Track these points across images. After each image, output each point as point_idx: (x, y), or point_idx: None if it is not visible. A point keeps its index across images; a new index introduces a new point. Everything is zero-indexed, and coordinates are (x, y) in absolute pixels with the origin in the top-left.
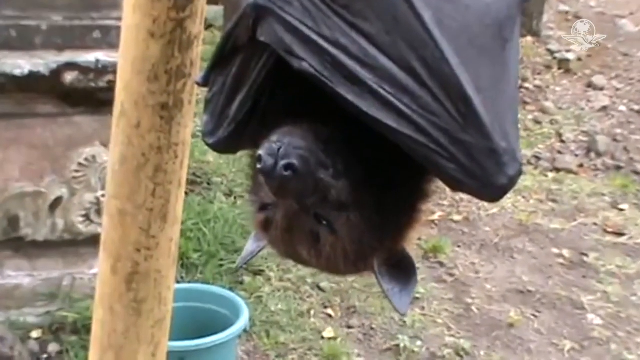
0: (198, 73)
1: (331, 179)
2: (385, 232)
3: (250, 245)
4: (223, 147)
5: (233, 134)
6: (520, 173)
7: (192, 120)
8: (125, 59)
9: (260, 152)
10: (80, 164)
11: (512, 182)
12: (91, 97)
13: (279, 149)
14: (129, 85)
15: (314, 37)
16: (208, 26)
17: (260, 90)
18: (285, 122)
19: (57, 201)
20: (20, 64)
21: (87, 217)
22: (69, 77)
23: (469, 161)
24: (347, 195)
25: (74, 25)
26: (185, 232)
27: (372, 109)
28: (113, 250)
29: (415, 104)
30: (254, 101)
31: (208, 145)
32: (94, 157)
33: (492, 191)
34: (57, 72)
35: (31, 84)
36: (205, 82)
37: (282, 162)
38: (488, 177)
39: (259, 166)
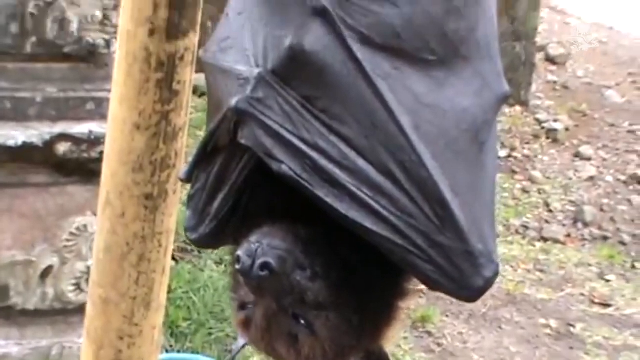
0: (183, 164)
1: (308, 281)
2: (364, 331)
3: (240, 340)
4: (205, 242)
5: (214, 230)
6: (496, 274)
7: (176, 208)
8: (112, 150)
9: (239, 252)
10: (71, 233)
11: (488, 283)
12: (84, 168)
13: (257, 250)
14: (115, 175)
15: (294, 140)
16: (202, 94)
17: (241, 189)
18: (265, 222)
19: (48, 270)
20: (15, 135)
21: (77, 285)
22: (62, 148)
23: (446, 263)
24: (325, 296)
25: (68, 97)
26: (174, 300)
27: (350, 211)
28: (96, 338)
29: (393, 207)
30: (235, 200)
31: (190, 240)
32: (85, 226)
33: (469, 292)
34: (50, 143)
35: (25, 154)
36: (188, 178)
37: (259, 262)
38: (465, 279)
39: (237, 267)
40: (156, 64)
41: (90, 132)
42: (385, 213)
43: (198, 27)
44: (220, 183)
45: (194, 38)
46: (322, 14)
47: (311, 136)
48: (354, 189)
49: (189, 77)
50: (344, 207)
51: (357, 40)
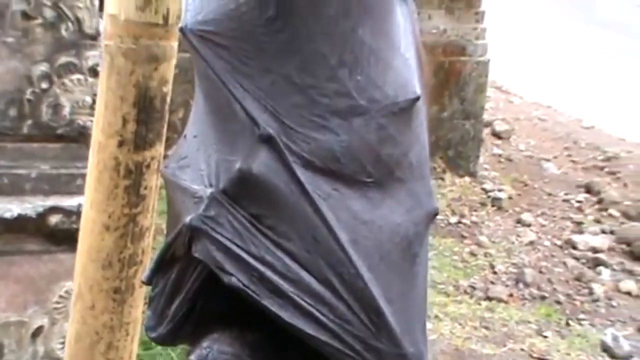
0: (149, 260)
1: None
2: None
3: None
4: (163, 341)
5: (172, 331)
6: None
7: (142, 300)
8: (83, 247)
9: (192, 357)
10: (61, 296)
11: None
12: (73, 237)
13: (207, 355)
14: (85, 270)
15: (243, 255)
16: None
17: (195, 296)
18: (217, 327)
19: (39, 330)
20: (11, 207)
21: (64, 344)
22: (54, 219)
23: None
24: None
25: (60, 173)
26: None
27: (293, 318)
28: None
29: (332, 314)
30: (190, 305)
31: (150, 338)
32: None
33: None
34: (43, 215)
35: (20, 225)
36: (149, 282)
37: None
38: None
39: None
40: (125, 172)
41: (80, 205)
42: (325, 320)
43: (164, 138)
44: (177, 289)
45: (159, 148)
46: (268, 141)
47: (258, 250)
48: (297, 298)
49: (155, 182)
50: (288, 315)
51: (300, 165)
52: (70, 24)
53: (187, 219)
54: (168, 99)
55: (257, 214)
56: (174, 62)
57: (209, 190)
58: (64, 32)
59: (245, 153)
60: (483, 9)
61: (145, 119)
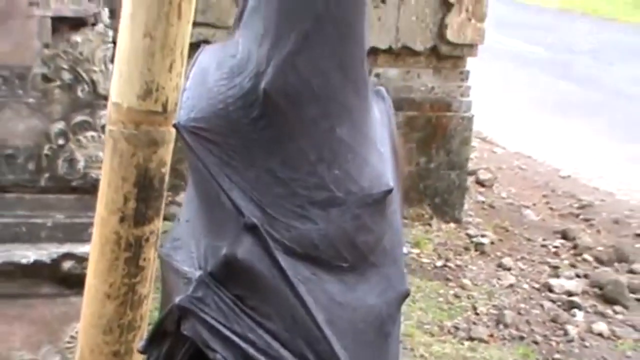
0: (147, 325)
1: None
2: None
3: None
4: None
5: None
6: None
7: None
8: (85, 313)
9: None
10: (72, 336)
11: None
12: (84, 281)
13: None
14: (87, 334)
15: (228, 333)
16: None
17: None
18: None
19: None
20: (28, 254)
21: None
22: (67, 265)
23: None
24: None
25: (74, 222)
26: None
27: None
28: None
29: None
30: None
31: None
32: None
33: None
34: (57, 261)
35: (35, 270)
36: (144, 352)
37: None
38: None
39: None
40: (125, 245)
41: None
42: None
43: (162, 214)
44: None
45: (158, 223)
46: (252, 229)
47: (242, 329)
48: None
49: (153, 254)
50: None
51: (282, 251)
52: (85, 86)
53: (177, 299)
54: (166, 179)
55: (241, 295)
56: (172, 145)
57: (198, 273)
58: (79, 93)
59: (231, 239)
60: (468, 68)
61: (145, 197)
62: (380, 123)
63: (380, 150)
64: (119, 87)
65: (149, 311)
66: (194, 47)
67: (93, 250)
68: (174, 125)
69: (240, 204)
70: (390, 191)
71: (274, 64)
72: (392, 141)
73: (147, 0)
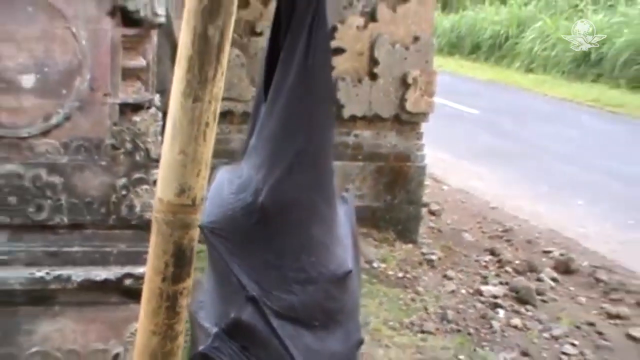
0: (180, 353)
1: None
2: None
3: None
4: None
5: None
6: None
7: None
8: (138, 345)
9: None
10: (131, 333)
11: None
12: (140, 294)
13: None
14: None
15: None
16: None
17: None
18: None
19: (117, 356)
20: (100, 274)
21: None
22: (128, 281)
23: None
24: None
25: (132, 250)
26: None
27: None
28: None
29: None
30: None
31: None
32: None
33: None
34: (121, 279)
35: (105, 285)
36: None
37: None
38: None
39: None
40: (165, 297)
41: (143, 272)
42: None
43: (192, 274)
44: None
45: (189, 282)
46: (253, 300)
47: None
48: None
49: (185, 303)
50: None
51: (273, 315)
52: (142, 152)
53: (200, 347)
54: (194, 250)
55: (246, 346)
56: (196, 229)
57: (215, 329)
58: (137, 158)
59: (237, 306)
60: (422, 130)
61: (180, 264)
62: (344, 222)
63: (344, 242)
64: (162, 187)
65: (184, 342)
66: (222, 115)
67: (143, 299)
68: (199, 226)
69: (244, 281)
70: (349, 272)
71: (267, 186)
72: (353, 235)
73: (183, 128)
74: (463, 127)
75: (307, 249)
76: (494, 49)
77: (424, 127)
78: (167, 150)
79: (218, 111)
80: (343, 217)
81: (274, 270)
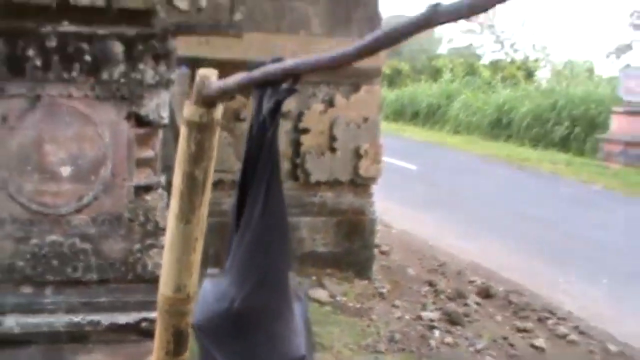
0: None
1: None
2: None
3: None
4: None
5: None
6: None
7: None
8: None
9: None
10: None
11: None
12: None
13: None
14: None
15: None
16: None
17: None
18: None
19: None
20: (122, 318)
21: None
22: (144, 324)
23: None
24: None
25: (147, 300)
26: None
27: None
28: None
29: None
30: None
31: None
32: None
33: None
34: (138, 322)
35: (127, 327)
36: None
37: None
38: None
39: None
40: None
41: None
42: None
43: (188, 348)
44: None
45: (186, 355)
46: None
47: None
48: None
49: None
50: None
51: None
52: (152, 224)
53: None
54: (189, 331)
55: None
56: (191, 315)
57: None
58: (149, 227)
59: None
60: (373, 191)
61: (178, 341)
62: (299, 316)
63: (298, 333)
64: (163, 285)
65: None
66: (215, 184)
67: None
68: (191, 325)
69: None
70: (303, 357)
71: (239, 298)
72: (307, 327)
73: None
74: (405, 180)
75: (271, 341)
76: (429, 115)
77: (374, 187)
78: (166, 258)
79: (205, 229)
80: (298, 310)
81: (247, 357)
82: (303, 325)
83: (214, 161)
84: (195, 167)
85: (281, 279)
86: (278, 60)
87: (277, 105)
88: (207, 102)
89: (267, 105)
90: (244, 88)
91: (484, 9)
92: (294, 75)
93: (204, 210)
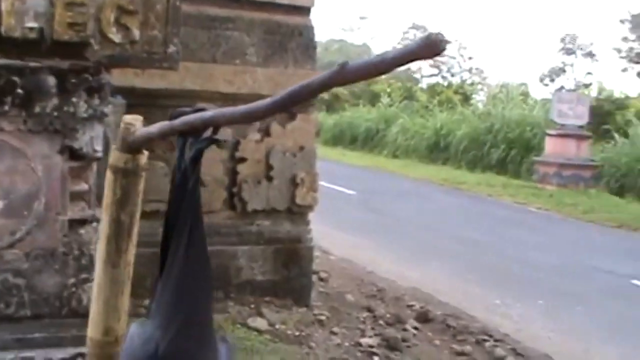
0: None
1: None
2: None
3: None
4: None
5: None
6: None
7: None
8: None
9: None
10: None
11: None
12: None
13: None
14: None
15: None
16: None
17: None
18: None
19: None
20: (57, 354)
21: None
22: (79, 359)
23: None
24: None
25: (82, 334)
26: None
27: None
28: None
29: None
30: None
31: None
32: None
33: None
34: (74, 356)
35: None
36: None
37: None
38: None
39: None
40: None
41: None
42: None
43: None
44: None
45: None
46: None
47: None
48: None
49: None
50: None
51: None
52: (87, 257)
53: None
54: None
55: None
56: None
57: None
58: (83, 261)
59: None
60: (310, 219)
61: None
62: (224, 356)
63: None
64: (92, 328)
65: None
66: (151, 213)
67: None
68: None
69: None
70: None
71: (164, 342)
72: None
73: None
74: (343, 205)
75: None
76: (367, 140)
77: (311, 214)
78: (95, 301)
79: (131, 273)
80: (224, 353)
81: None
82: None
83: (140, 207)
84: (122, 211)
85: (205, 323)
86: (200, 110)
87: (198, 153)
88: (132, 148)
89: (188, 153)
90: (166, 136)
91: (389, 70)
92: (214, 125)
93: (130, 254)
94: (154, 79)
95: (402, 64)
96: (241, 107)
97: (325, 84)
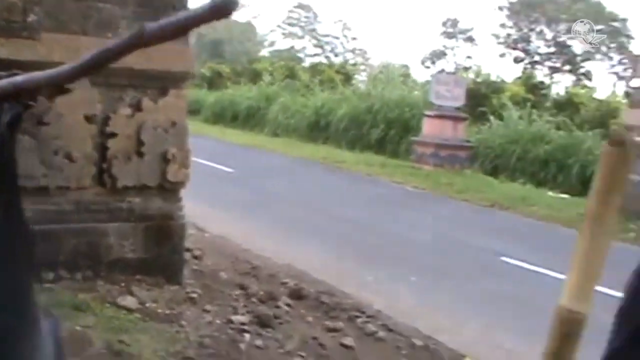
0: None
1: None
2: None
3: None
4: None
5: None
6: None
7: None
8: None
9: None
10: None
11: None
12: None
13: None
14: None
15: None
16: None
17: None
18: None
19: None
20: None
21: None
22: None
23: None
24: None
25: None
26: None
27: None
28: None
29: None
30: None
31: None
32: None
33: None
34: None
35: None
36: None
37: None
38: None
39: None
40: None
41: None
42: None
43: None
44: None
45: None
46: None
47: None
48: None
49: None
50: None
51: None
52: None
53: None
54: None
55: None
56: None
57: None
58: None
59: None
60: (181, 195)
61: None
62: (49, 334)
63: (47, 354)
64: None
65: None
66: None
67: None
68: None
69: None
70: None
71: None
72: (58, 346)
73: None
74: (221, 183)
75: None
76: (248, 118)
77: (183, 192)
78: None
79: None
80: (48, 329)
81: None
82: (53, 344)
83: None
84: None
85: (24, 298)
86: (12, 75)
87: (15, 119)
88: None
89: (4, 119)
90: None
91: (186, 31)
92: (29, 90)
93: None
94: (20, 51)
95: (197, 25)
96: (47, 71)
97: (126, 47)
